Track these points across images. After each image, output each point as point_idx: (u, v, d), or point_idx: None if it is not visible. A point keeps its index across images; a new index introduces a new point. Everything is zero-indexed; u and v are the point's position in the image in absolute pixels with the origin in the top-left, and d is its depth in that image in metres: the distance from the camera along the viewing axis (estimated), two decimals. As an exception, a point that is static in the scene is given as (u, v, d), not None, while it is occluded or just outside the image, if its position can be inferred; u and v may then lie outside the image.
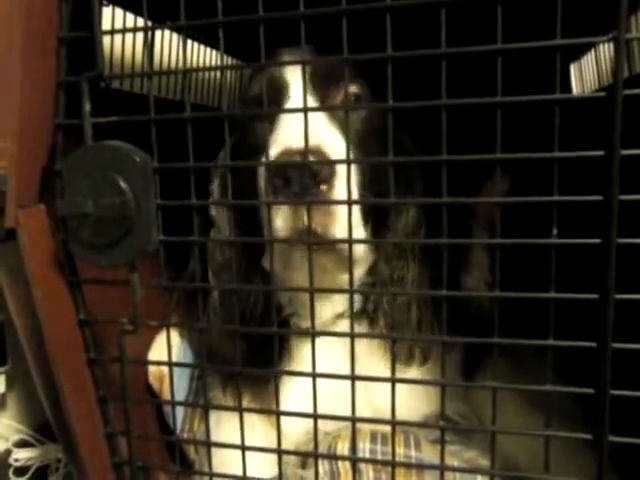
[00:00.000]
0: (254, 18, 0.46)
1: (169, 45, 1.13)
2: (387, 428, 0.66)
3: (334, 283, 0.68)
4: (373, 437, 0.73)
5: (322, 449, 0.72)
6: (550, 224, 0.43)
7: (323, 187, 0.59)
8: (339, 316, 0.78)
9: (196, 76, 1.30)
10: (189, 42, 1.21)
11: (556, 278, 0.43)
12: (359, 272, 0.76)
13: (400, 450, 0.71)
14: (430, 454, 0.71)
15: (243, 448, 0.55)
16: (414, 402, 0.76)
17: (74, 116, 0.52)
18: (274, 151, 0.59)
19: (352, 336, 0.52)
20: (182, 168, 0.51)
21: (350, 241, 0.50)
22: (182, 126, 0.50)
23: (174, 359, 0.79)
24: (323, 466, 0.71)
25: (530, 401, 0.75)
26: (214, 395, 0.83)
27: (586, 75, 1.35)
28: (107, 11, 0.88)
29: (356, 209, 0.66)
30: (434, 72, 0.45)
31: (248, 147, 0.73)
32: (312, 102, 0.68)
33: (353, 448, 0.57)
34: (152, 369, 0.85)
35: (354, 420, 0.52)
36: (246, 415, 0.56)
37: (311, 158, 0.54)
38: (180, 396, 0.88)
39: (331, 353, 0.69)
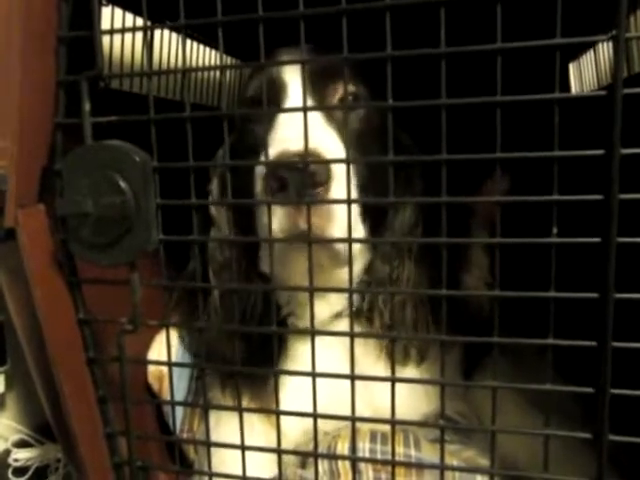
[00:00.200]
0: (253, 17, 0.46)
1: (168, 45, 1.13)
2: (387, 428, 0.66)
3: (330, 282, 0.68)
4: (373, 437, 0.73)
5: (322, 449, 0.72)
6: (550, 224, 0.43)
7: (319, 189, 0.59)
8: (336, 316, 0.78)
9: (195, 76, 1.29)
10: (188, 42, 1.21)
11: (556, 277, 0.43)
12: (355, 271, 0.76)
13: (400, 450, 0.71)
14: (430, 453, 0.71)
15: (243, 448, 0.55)
16: (413, 402, 0.76)
17: (74, 115, 0.52)
18: (271, 153, 0.59)
19: (352, 335, 0.52)
20: (182, 168, 0.51)
21: (350, 240, 0.50)
22: (181, 126, 0.50)
23: (173, 359, 0.79)
24: (323, 466, 0.71)
25: (530, 401, 0.75)
26: (213, 395, 0.83)
27: (585, 75, 1.35)
28: (106, 11, 0.88)
29: (353, 210, 0.66)
30: (432, 72, 0.45)
31: (246, 148, 0.72)
32: (310, 102, 0.68)
33: (353, 448, 0.57)
34: (151, 369, 0.85)
35: (354, 420, 0.52)
36: (246, 415, 0.56)
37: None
38: (179, 396, 0.88)
39: (329, 353, 0.69)
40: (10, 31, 0.51)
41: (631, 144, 0.40)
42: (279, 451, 0.57)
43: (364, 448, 0.72)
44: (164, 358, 0.65)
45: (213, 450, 0.59)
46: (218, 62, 0.51)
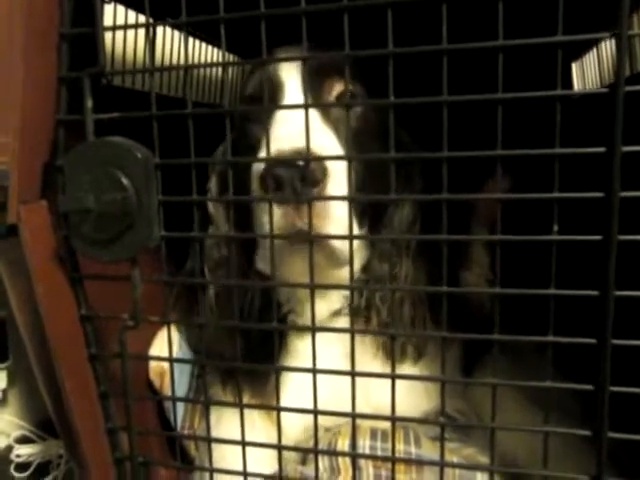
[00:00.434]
0: (255, 14, 0.46)
1: (170, 43, 1.13)
2: (387, 425, 0.66)
3: (327, 280, 0.69)
4: (373, 434, 0.73)
5: (322, 445, 0.72)
6: (551, 223, 0.43)
7: (316, 188, 0.59)
8: (335, 314, 0.78)
9: (197, 74, 1.30)
10: (190, 40, 1.21)
11: (556, 275, 0.43)
12: (353, 270, 0.76)
13: (400, 447, 0.72)
14: (430, 451, 0.72)
15: (243, 444, 0.55)
16: (413, 399, 0.76)
17: (76, 112, 0.52)
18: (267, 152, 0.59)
19: (352, 332, 0.52)
20: (183, 164, 0.51)
21: (350, 237, 0.50)
22: (183, 123, 0.51)
23: (174, 356, 0.79)
24: (323, 462, 0.71)
25: (529, 399, 0.75)
26: (214, 393, 0.83)
27: (588, 74, 1.34)
28: (109, 8, 0.88)
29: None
30: (431, 70, 0.45)
31: (244, 146, 0.73)
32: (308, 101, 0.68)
33: (353, 444, 0.57)
34: (153, 365, 0.86)
35: (354, 416, 0.52)
36: (246, 413, 0.56)
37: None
38: (181, 392, 0.88)
39: (328, 351, 0.69)
40: (12, 28, 0.51)
41: (632, 142, 0.40)
42: (279, 447, 0.57)
43: (364, 445, 0.72)
44: (165, 354, 0.65)
45: (214, 447, 0.59)
46: (220, 60, 0.52)
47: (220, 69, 1.33)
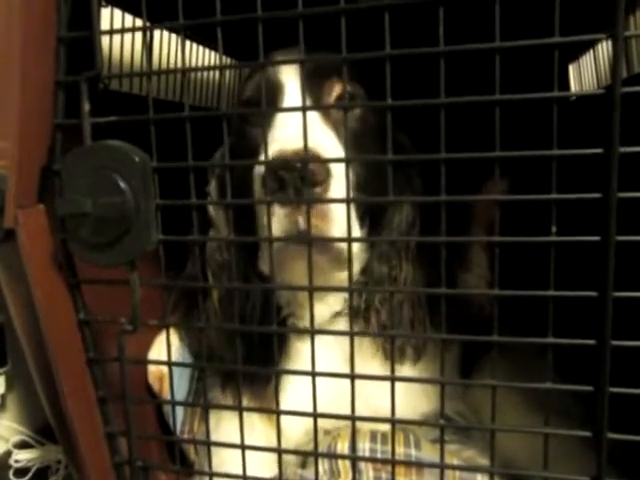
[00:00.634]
0: (252, 17, 0.46)
1: (168, 47, 1.14)
2: (386, 428, 0.66)
3: (328, 284, 0.68)
4: (373, 436, 0.73)
5: (322, 448, 0.72)
6: (549, 225, 0.43)
7: (317, 189, 0.59)
8: (335, 316, 0.78)
9: (195, 78, 1.30)
10: (188, 44, 1.21)
11: (555, 276, 0.43)
12: (353, 272, 0.76)
13: (400, 449, 0.71)
14: (430, 453, 0.71)
15: (243, 447, 0.55)
16: (412, 401, 0.76)
17: (73, 116, 0.52)
18: (269, 153, 0.59)
19: (351, 334, 0.52)
20: (181, 168, 0.51)
21: (349, 239, 0.50)
22: (180, 128, 0.51)
23: (174, 360, 0.79)
24: (323, 465, 0.71)
25: (529, 402, 0.75)
26: (214, 397, 0.83)
27: (585, 76, 1.35)
28: (106, 12, 0.88)
29: (351, 210, 0.66)
30: (429, 73, 0.45)
31: (244, 150, 0.73)
32: (307, 103, 0.68)
33: (353, 447, 0.57)
34: (152, 369, 0.85)
35: (354, 419, 0.52)
36: (246, 417, 0.56)
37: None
38: (180, 396, 0.88)
39: (328, 354, 0.69)
40: (10, 32, 0.51)
41: (629, 143, 0.40)
42: (279, 451, 0.57)
43: (364, 448, 0.72)
44: (164, 358, 0.65)
45: (213, 451, 0.59)
46: (217, 63, 0.52)
47: (217, 73, 1.33)
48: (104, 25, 0.77)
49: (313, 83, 0.70)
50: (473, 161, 0.43)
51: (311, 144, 0.52)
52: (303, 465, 0.76)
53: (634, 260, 0.51)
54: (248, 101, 0.75)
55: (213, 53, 1.30)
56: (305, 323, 0.78)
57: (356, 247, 0.72)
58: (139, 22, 0.90)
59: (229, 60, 1.30)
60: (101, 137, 0.50)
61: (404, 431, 0.75)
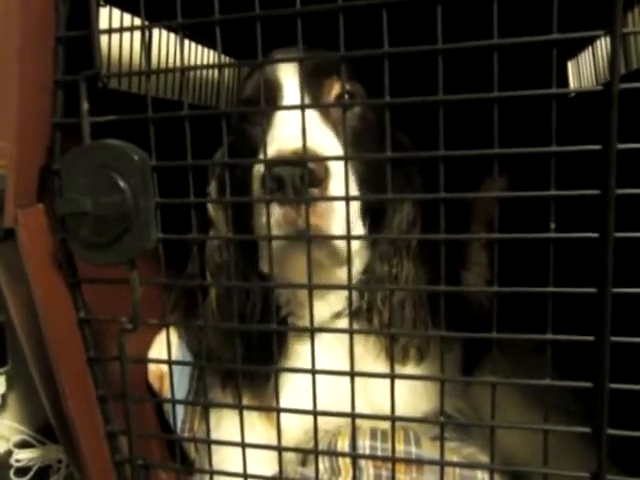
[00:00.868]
0: (251, 16, 0.46)
1: (166, 46, 1.13)
2: (387, 425, 0.66)
3: (329, 282, 0.68)
4: (373, 434, 0.73)
5: (322, 446, 0.72)
6: (548, 222, 0.43)
7: (317, 188, 0.59)
8: (336, 316, 0.78)
9: (194, 77, 1.30)
10: (187, 43, 1.21)
11: (554, 273, 0.43)
12: (354, 270, 0.76)
13: (400, 447, 0.72)
14: (430, 451, 0.72)
15: (243, 445, 0.55)
16: (413, 400, 0.76)
17: (72, 115, 0.52)
18: (268, 152, 0.59)
19: (351, 332, 0.52)
20: (180, 167, 0.51)
21: (348, 237, 0.50)
22: (179, 127, 0.51)
23: (174, 359, 0.79)
24: (323, 463, 0.71)
25: (529, 399, 0.75)
26: (214, 396, 0.83)
27: (583, 73, 1.35)
28: (104, 12, 0.88)
29: (352, 209, 0.66)
30: (427, 71, 0.45)
31: (243, 149, 0.73)
32: (306, 101, 0.68)
33: (353, 445, 0.57)
34: (152, 368, 0.85)
35: (354, 416, 0.52)
36: (246, 416, 0.56)
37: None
38: (180, 395, 0.88)
39: (329, 353, 0.69)
40: (8, 31, 0.51)
41: (627, 139, 0.40)
42: (280, 449, 0.57)
43: (364, 446, 0.72)
44: (164, 357, 0.65)
45: (214, 449, 0.59)
46: (216, 62, 0.52)
47: (216, 72, 1.33)
48: (103, 24, 0.77)
49: (312, 82, 0.70)
50: (472, 158, 0.44)
51: (310, 143, 0.52)
52: (303, 463, 0.76)
53: (633, 256, 0.51)
54: (247, 100, 0.75)
55: (212, 52, 1.30)
56: (305, 322, 0.77)
57: (357, 245, 0.72)
58: (137, 21, 0.90)
59: (228, 59, 1.30)
60: (100, 136, 0.50)
61: (404, 429, 0.75)
